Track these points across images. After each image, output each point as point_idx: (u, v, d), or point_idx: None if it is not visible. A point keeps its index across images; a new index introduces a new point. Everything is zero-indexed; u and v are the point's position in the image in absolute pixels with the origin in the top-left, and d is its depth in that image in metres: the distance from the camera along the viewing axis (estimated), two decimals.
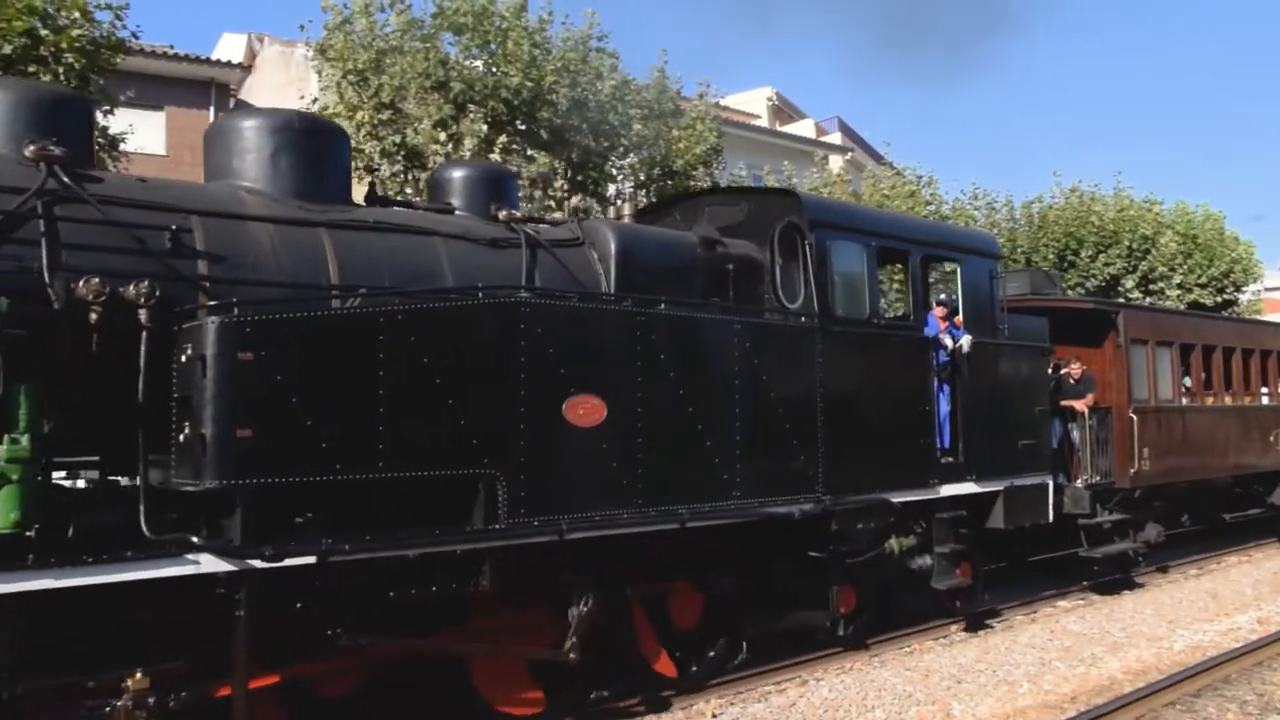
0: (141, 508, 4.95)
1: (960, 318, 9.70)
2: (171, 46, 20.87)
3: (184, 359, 5.16)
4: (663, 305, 7.30)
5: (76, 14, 11.07)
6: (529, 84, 13.85)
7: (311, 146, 6.55)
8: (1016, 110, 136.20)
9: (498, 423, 6.16)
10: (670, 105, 15.99)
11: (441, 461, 5.91)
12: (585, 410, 6.61)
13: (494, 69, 14.07)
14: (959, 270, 9.92)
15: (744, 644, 8.24)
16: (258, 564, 5.10)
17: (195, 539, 5.01)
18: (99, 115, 10.49)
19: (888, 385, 8.87)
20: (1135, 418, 12.45)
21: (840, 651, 8.94)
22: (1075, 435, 12.06)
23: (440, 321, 6.00)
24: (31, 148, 5.33)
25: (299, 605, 5.34)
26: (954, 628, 9.95)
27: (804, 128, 35.87)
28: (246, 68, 22.73)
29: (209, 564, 5.02)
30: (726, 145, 18.36)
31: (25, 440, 4.70)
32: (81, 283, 5.05)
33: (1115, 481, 12.33)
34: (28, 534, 4.68)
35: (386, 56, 13.72)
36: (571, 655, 6.61)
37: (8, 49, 10.49)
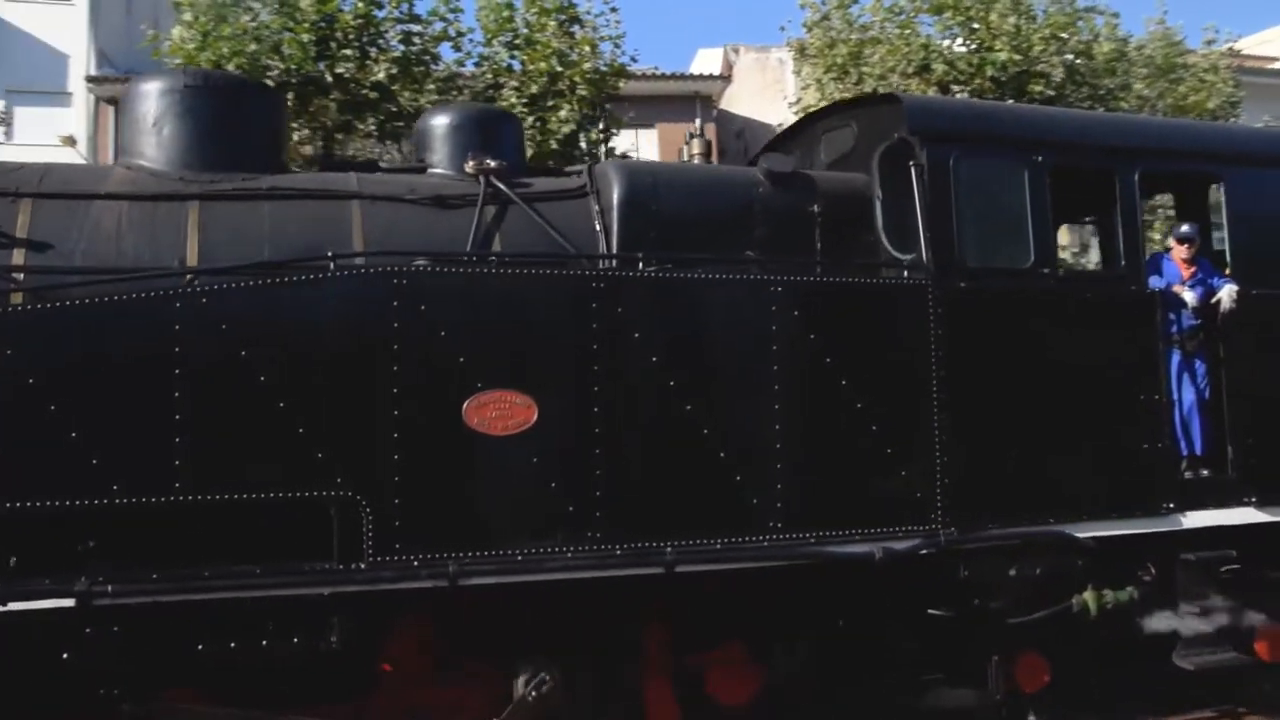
0: None
1: (1224, 264, 6.44)
2: (656, 67, 21.89)
3: None
4: (640, 265, 5.37)
5: (586, 48, 12.53)
6: (1016, 58, 13.21)
7: (209, 109, 5.57)
8: None
9: (355, 430, 4.74)
10: (1178, 60, 15.14)
11: (268, 482, 4.63)
12: (499, 411, 4.93)
13: (978, 46, 13.62)
14: (1222, 189, 6.58)
15: None
16: None
17: None
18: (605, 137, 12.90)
19: (1071, 364, 5.95)
20: None
21: None
22: None
23: (269, 302, 4.71)
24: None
25: (63, 657, 4.37)
26: None
27: None
28: (725, 78, 23.47)
29: None
30: (1248, 95, 16.63)
31: None
32: None
33: None
34: None
35: (866, 47, 13.78)
36: None
37: (534, 89, 12.31)
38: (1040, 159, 5.99)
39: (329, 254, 4.86)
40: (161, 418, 4.49)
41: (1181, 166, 6.68)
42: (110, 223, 5.10)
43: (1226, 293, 6.22)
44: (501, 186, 5.73)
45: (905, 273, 5.74)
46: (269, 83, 10.52)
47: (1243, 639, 6.35)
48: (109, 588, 4.34)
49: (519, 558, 4.89)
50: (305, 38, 11.44)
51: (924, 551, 5.49)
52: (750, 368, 5.35)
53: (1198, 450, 6.24)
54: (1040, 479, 5.80)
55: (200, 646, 4.53)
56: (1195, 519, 6.11)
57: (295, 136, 11.37)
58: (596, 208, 5.81)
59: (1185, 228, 6.52)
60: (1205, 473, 6.23)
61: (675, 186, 5.93)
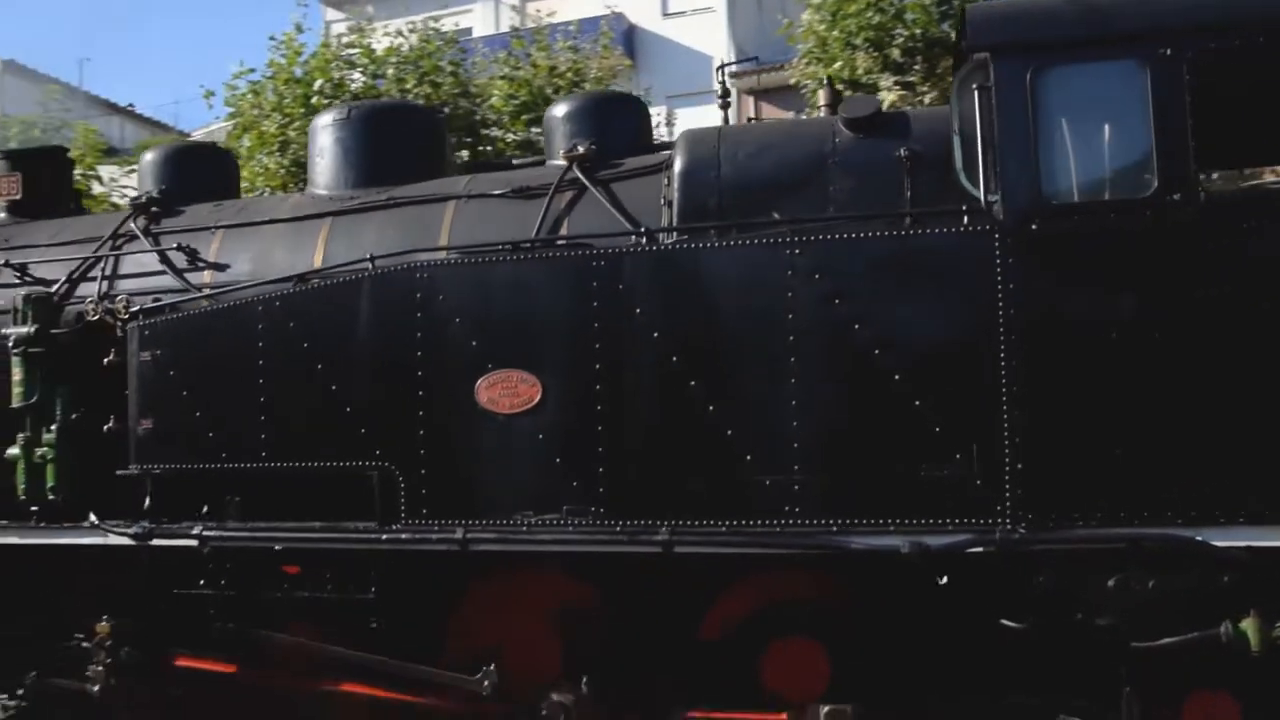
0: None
1: None
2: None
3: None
4: (642, 239, 5.23)
5: None
6: None
7: (359, 135, 6.61)
8: None
9: (390, 409, 5.40)
10: None
11: (320, 453, 5.50)
12: (504, 390, 5.23)
13: None
14: None
15: None
16: (128, 541, 5.65)
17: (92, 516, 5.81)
18: None
19: (1214, 319, 4.45)
20: None
21: None
22: None
23: (320, 302, 5.56)
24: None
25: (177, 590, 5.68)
26: None
27: None
28: None
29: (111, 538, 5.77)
30: None
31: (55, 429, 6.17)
32: (89, 304, 6.30)
33: None
34: (56, 499, 6.10)
35: None
36: (486, 685, 5.28)
37: None
38: (1168, 51, 4.56)
39: (369, 255, 5.57)
40: (252, 402, 5.60)
41: None
42: (269, 243, 6.37)
43: None
44: (578, 173, 5.95)
45: (965, 219, 4.80)
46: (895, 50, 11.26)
47: None
48: (220, 532, 5.57)
49: (523, 528, 5.16)
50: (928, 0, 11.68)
51: (973, 550, 4.61)
52: (763, 340, 4.95)
53: None
54: (1160, 469, 4.48)
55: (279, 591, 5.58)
56: None
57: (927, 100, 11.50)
58: (665, 181, 5.75)
59: None
60: None
61: (741, 149, 5.59)
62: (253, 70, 14.51)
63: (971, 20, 4.94)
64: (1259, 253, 4.43)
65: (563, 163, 6.11)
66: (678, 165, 5.59)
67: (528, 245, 5.49)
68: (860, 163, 5.32)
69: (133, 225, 6.69)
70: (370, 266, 5.52)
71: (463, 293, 5.34)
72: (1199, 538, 4.39)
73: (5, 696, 6.30)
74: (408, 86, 13.66)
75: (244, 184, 9.99)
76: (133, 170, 13.02)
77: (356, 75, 13.89)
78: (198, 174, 7.17)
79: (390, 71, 13.93)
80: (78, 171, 10.76)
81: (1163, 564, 4.46)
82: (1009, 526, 4.58)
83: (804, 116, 11.29)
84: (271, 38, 14.27)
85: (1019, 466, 4.59)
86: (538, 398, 5.18)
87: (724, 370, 4.99)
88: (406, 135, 6.75)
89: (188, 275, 6.37)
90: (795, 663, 5.27)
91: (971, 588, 4.72)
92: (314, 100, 12.99)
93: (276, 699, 5.79)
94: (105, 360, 5.93)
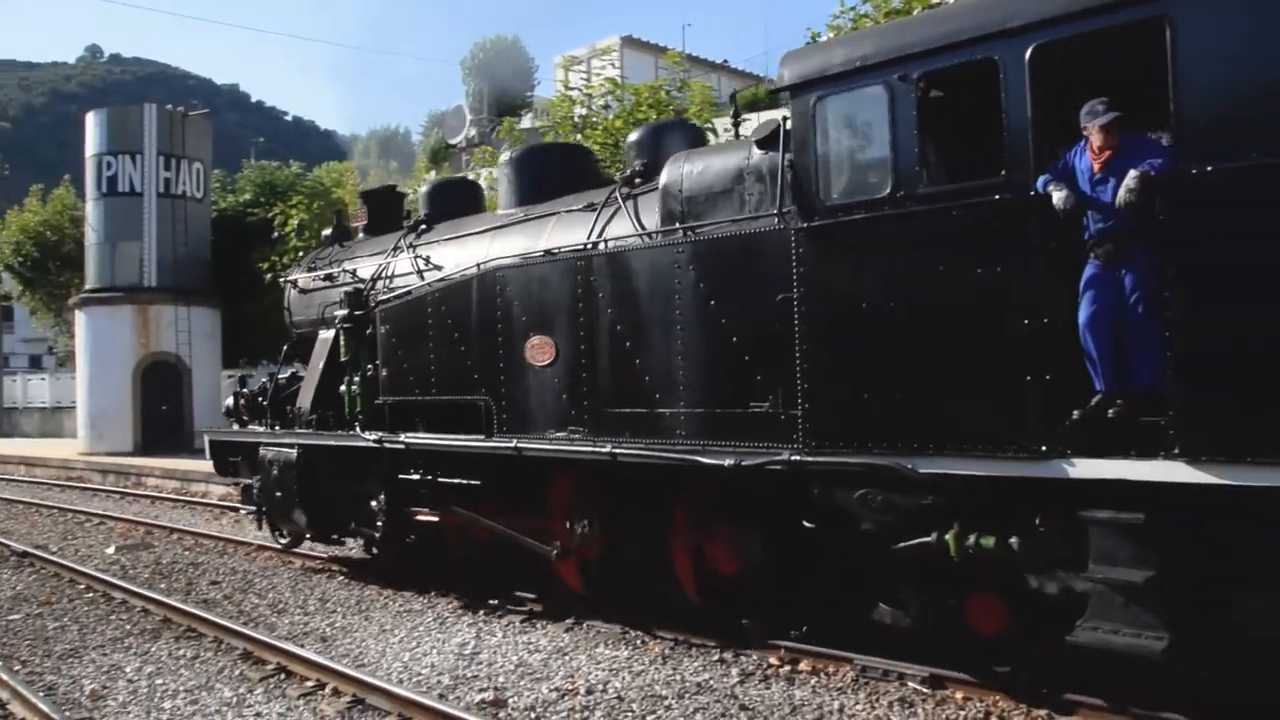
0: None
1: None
2: None
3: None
4: (608, 244, 7.38)
5: None
6: None
7: (520, 168, 9.49)
8: None
9: (487, 363, 8.26)
10: None
11: (456, 389, 8.55)
12: (538, 350, 7.83)
13: None
14: (1169, 29, 4.63)
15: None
16: (370, 443, 9.21)
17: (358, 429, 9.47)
18: None
19: (929, 291, 5.51)
20: None
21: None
22: None
23: (454, 293, 8.57)
24: None
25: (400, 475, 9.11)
26: None
27: None
28: None
29: (367, 440, 9.38)
30: None
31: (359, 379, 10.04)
32: (366, 295, 9.99)
33: None
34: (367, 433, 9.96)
35: None
36: (554, 554, 7.96)
37: None
38: (901, 75, 5.65)
39: (477, 264, 8.43)
40: (425, 359, 8.82)
41: (1101, 22, 4.90)
42: (464, 250, 9.49)
43: (1128, 179, 4.75)
44: (618, 192, 8.22)
45: (775, 220, 6.32)
46: None
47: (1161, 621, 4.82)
48: (411, 440, 8.91)
49: (548, 441, 7.73)
50: None
51: (770, 467, 6.24)
52: (665, 313, 6.94)
53: (1144, 383, 4.93)
54: (896, 410, 5.70)
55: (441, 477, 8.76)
56: (1088, 468, 5.00)
57: None
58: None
59: (1088, 106, 4.94)
60: (1112, 412, 4.92)
61: (695, 166, 7.45)
62: (853, 8, 14.29)
63: (781, 64, 6.34)
64: (967, 238, 5.44)
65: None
66: (661, 182, 7.63)
67: (546, 251, 7.99)
68: (763, 175, 6.94)
69: (402, 241, 10.30)
70: (477, 269, 8.42)
71: (518, 285, 8.02)
72: (909, 465, 5.62)
73: (349, 540, 10.42)
74: None
75: None
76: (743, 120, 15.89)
77: None
78: (450, 200, 10.59)
79: None
80: (700, 123, 12.81)
81: (891, 484, 5.75)
82: (797, 451, 6.15)
83: None
84: None
85: (806, 406, 6.13)
86: (554, 355, 7.71)
87: (644, 334, 7.09)
88: (548, 168, 9.45)
89: (424, 274, 9.79)
90: (724, 545, 7.28)
91: (791, 498, 6.37)
92: None
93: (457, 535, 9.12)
94: (367, 331, 9.60)
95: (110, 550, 12.48)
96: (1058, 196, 5.01)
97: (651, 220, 7.76)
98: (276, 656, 7.38)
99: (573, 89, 19.85)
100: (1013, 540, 5.37)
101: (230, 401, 11.94)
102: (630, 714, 6.04)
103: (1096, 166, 5.01)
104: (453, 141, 35.54)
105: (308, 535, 10.68)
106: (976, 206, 5.38)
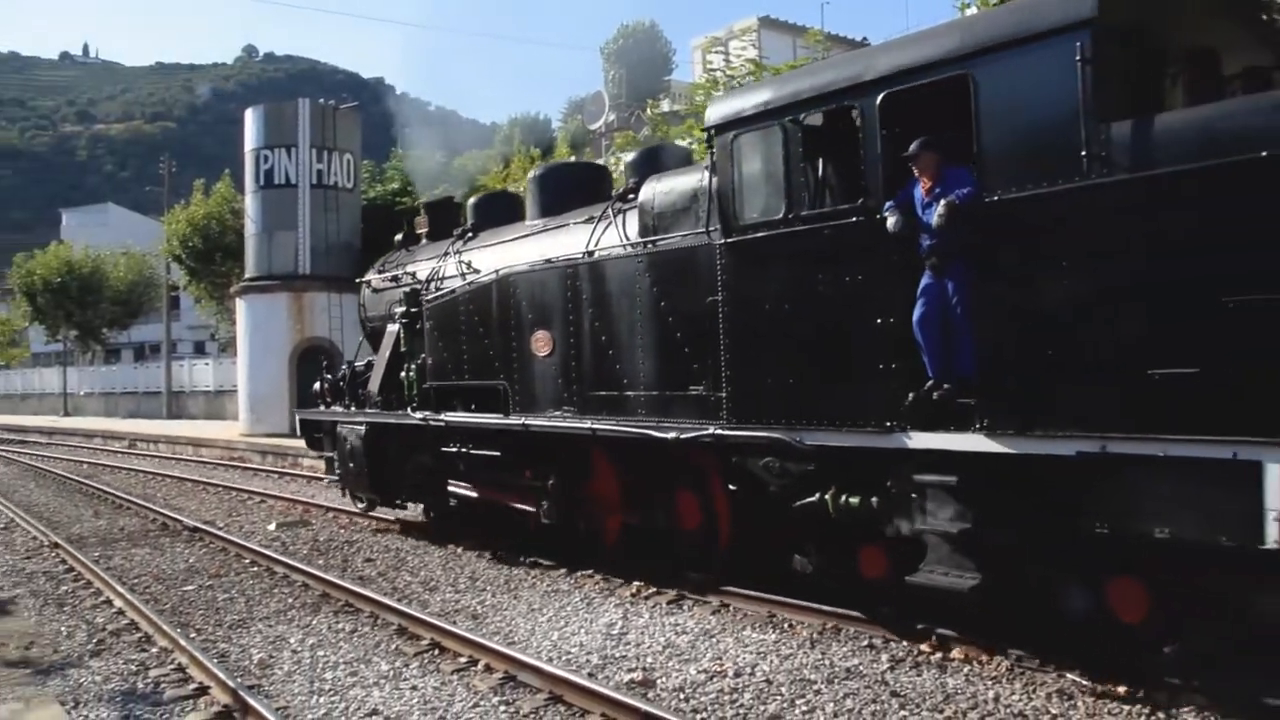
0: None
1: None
2: None
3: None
4: (591, 254, 8.80)
5: None
6: None
7: (543, 184, 11.00)
8: None
9: (505, 352, 9.82)
10: None
11: (482, 375, 10.14)
12: (541, 342, 9.35)
13: None
14: (972, 85, 5.72)
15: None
16: (418, 421, 10.89)
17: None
18: None
19: (811, 296, 6.75)
20: None
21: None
22: None
23: (478, 294, 10.16)
24: None
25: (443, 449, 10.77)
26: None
27: None
28: None
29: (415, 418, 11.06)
30: None
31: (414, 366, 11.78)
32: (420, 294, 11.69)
33: None
34: (415, 413, 11.71)
35: None
36: (544, 518, 9.47)
37: None
38: (791, 118, 6.89)
39: (495, 270, 9.98)
40: (458, 350, 10.45)
41: (927, 78, 6.00)
42: (497, 255, 11.04)
43: (939, 207, 5.89)
44: (610, 209, 9.63)
45: (705, 237, 7.63)
46: None
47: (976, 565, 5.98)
48: (448, 418, 10.56)
49: (547, 418, 9.24)
50: None
51: (702, 440, 7.58)
52: (630, 313, 8.33)
53: (962, 372, 6.07)
54: (790, 392, 6.97)
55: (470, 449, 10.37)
56: (919, 440, 6.18)
57: None
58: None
59: (912, 147, 6.06)
60: (955, 396, 6.06)
61: (664, 185, 8.78)
62: None
63: (708, 109, 7.63)
64: (836, 252, 6.67)
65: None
66: (639, 199, 9.01)
67: (546, 260, 9.47)
68: (711, 193, 8.23)
69: (450, 247, 11.97)
70: (495, 274, 9.99)
71: (526, 288, 9.55)
72: (798, 438, 6.89)
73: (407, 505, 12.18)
74: None
75: None
76: None
77: None
78: (493, 210, 12.20)
79: None
80: None
81: (785, 454, 7.02)
82: (721, 426, 7.47)
83: None
84: None
85: (728, 389, 7.45)
86: (552, 347, 9.21)
87: (614, 331, 8.50)
88: (566, 184, 10.92)
89: (465, 276, 11.40)
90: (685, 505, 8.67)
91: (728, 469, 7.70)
92: None
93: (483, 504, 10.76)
94: (417, 326, 11.31)
95: (271, 527, 13.18)
96: (890, 221, 6.20)
97: (633, 232, 9.14)
98: (430, 633, 7.59)
99: (714, 70, 19.61)
100: (874, 500, 6.59)
101: (317, 385, 13.88)
102: (779, 697, 6.00)
103: (925, 194, 6.16)
104: (592, 127, 36.35)
105: (377, 501, 12.49)
106: (842, 227, 6.61)
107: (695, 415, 7.76)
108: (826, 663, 6.57)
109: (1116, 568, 5.75)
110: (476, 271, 11.24)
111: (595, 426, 8.60)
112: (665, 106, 24.56)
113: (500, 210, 12.29)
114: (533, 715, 5.95)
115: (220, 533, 12.70)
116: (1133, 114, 5.27)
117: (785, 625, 7.48)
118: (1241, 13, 6.19)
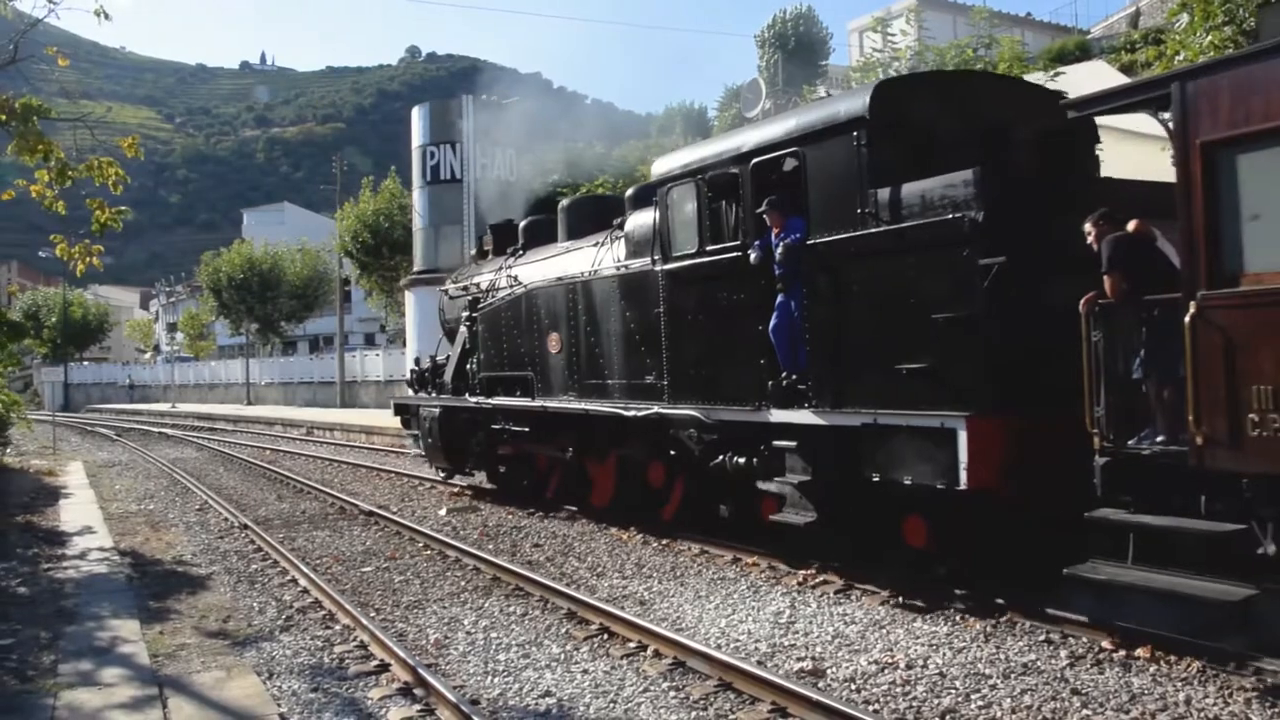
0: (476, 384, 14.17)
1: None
2: None
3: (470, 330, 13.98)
4: (589, 274, 11.30)
5: None
6: None
7: (565, 213, 13.58)
8: None
9: (530, 350, 12.47)
10: None
11: (517, 367, 12.82)
12: (554, 342, 11.96)
13: None
14: (802, 158, 7.95)
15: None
16: (473, 404, 13.65)
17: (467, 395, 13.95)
18: None
19: (715, 310, 9.11)
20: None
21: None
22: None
23: (511, 304, 12.84)
24: None
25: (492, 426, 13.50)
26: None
27: None
28: None
29: (471, 402, 13.82)
30: None
31: (475, 360, 14.59)
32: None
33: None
34: (471, 398, 14.51)
35: None
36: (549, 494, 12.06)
37: None
38: (700, 177, 9.25)
39: (524, 284, 12.62)
40: (500, 346, 13.16)
41: (779, 154, 8.23)
42: (537, 269, 13.70)
43: (781, 246, 8.15)
44: (610, 236, 12.13)
45: (653, 264, 10.05)
46: None
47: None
48: (491, 402, 13.28)
49: (558, 401, 11.83)
50: None
51: (650, 417, 10.02)
52: (609, 321, 10.84)
53: (801, 366, 8.31)
54: (703, 380, 9.37)
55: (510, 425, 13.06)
56: (776, 415, 8.48)
57: None
58: None
59: (762, 205, 8.29)
60: (797, 383, 8.30)
61: (640, 219, 11.17)
62: None
63: (656, 163, 10.06)
64: (726, 279, 9.02)
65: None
66: (625, 227, 11.48)
67: (558, 279, 12.04)
68: (656, 230, 10.63)
69: (503, 263, 14.69)
70: (524, 288, 12.64)
71: (543, 299, 12.19)
72: (706, 416, 9.27)
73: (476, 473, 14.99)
74: None
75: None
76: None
77: None
78: (539, 231, 14.78)
79: None
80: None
81: (700, 427, 9.40)
82: (662, 406, 9.91)
83: None
84: None
85: (668, 378, 9.88)
86: (561, 346, 11.81)
87: (600, 334, 11.03)
88: (586, 213, 13.44)
89: (513, 288, 14.08)
90: (655, 468, 11.13)
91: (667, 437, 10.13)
92: None
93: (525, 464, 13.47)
94: (475, 328, 14.09)
95: (442, 512, 13.45)
96: (752, 256, 8.53)
97: (621, 255, 11.60)
98: (599, 617, 7.57)
99: (878, 51, 18.98)
100: (754, 460, 8.92)
101: (409, 375, 16.90)
102: (954, 691, 5.80)
103: (775, 237, 8.43)
104: (750, 114, 37.16)
105: (452, 470, 15.37)
106: (732, 259, 8.96)
107: (648, 399, 10.21)
108: (1001, 657, 6.34)
109: (906, 508, 7.91)
110: (521, 284, 13.94)
111: (588, 408, 11.17)
112: (821, 92, 24.52)
113: (543, 232, 14.86)
114: (703, 701, 5.89)
115: (394, 517, 12.93)
116: (890, 183, 7.44)
117: (957, 618, 7.24)
118: (953, 106, 8.09)
